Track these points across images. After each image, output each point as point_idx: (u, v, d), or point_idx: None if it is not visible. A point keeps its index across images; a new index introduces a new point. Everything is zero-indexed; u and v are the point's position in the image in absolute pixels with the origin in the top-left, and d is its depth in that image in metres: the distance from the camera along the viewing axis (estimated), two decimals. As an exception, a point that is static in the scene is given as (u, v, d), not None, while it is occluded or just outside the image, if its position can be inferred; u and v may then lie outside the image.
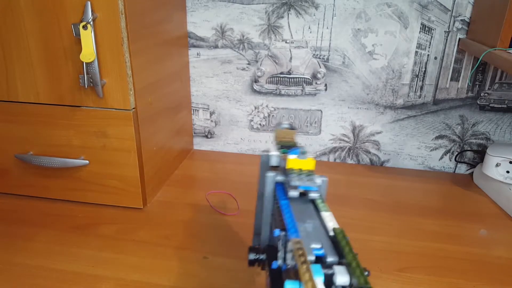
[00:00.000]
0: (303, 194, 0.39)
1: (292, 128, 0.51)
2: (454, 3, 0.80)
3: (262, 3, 0.86)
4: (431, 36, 0.83)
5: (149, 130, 0.73)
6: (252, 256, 0.39)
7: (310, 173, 0.38)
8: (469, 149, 0.92)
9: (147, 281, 0.56)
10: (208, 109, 0.98)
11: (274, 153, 0.47)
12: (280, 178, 0.41)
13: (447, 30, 0.83)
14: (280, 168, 0.44)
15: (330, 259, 0.29)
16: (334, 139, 0.96)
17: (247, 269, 0.59)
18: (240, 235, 0.67)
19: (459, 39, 0.83)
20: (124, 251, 0.62)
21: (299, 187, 0.37)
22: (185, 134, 0.95)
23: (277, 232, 0.34)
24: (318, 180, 0.38)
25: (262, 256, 0.39)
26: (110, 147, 0.69)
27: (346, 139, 0.95)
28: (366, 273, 0.26)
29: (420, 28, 0.83)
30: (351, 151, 0.96)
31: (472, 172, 0.91)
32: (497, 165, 0.79)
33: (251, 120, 0.97)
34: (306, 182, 0.37)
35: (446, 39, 0.83)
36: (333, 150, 0.97)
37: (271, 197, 0.43)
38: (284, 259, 0.32)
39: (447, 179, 0.90)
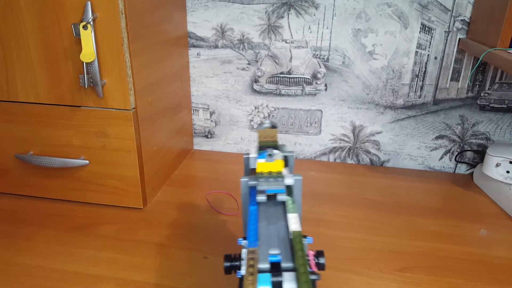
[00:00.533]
0: (275, 197, 0.38)
1: (273, 126, 0.50)
2: (454, 3, 0.80)
3: (262, 3, 0.86)
4: (431, 36, 0.83)
5: (149, 130, 0.73)
6: (226, 264, 0.38)
7: (279, 175, 0.38)
8: (469, 149, 0.92)
9: (147, 281, 0.56)
10: (208, 109, 0.98)
11: (253, 155, 0.46)
12: (252, 182, 0.41)
13: (447, 30, 0.83)
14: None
15: (285, 264, 0.29)
16: (334, 139, 0.96)
17: (247, 269, 0.59)
18: (240, 235, 0.67)
19: (459, 39, 0.83)
20: (124, 251, 0.62)
21: (266, 191, 0.37)
22: (185, 134, 0.95)
23: (239, 241, 0.34)
24: (290, 179, 0.38)
25: (237, 263, 0.38)
26: (110, 147, 0.69)
27: (346, 139, 0.95)
28: (315, 277, 0.27)
29: (420, 28, 0.83)
30: (351, 151, 0.96)
31: (472, 172, 0.91)
32: (497, 165, 0.79)
33: (251, 120, 0.97)
34: (273, 185, 0.37)
35: (446, 39, 0.83)
36: (333, 150, 0.97)
37: (247, 202, 0.42)
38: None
39: (447, 179, 0.90)
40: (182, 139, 0.93)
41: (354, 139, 0.95)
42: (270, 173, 0.38)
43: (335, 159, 0.98)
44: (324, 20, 0.85)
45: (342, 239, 0.67)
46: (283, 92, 0.93)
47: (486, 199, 0.81)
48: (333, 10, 0.84)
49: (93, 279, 0.56)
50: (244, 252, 0.33)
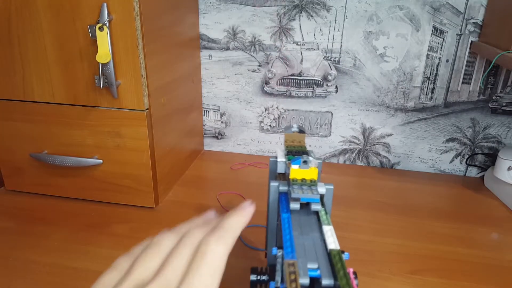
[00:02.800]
0: (307, 205, 0.37)
1: (301, 131, 0.49)
2: (466, 6, 0.80)
3: (274, 6, 0.87)
4: (443, 39, 0.83)
5: (161, 130, 0.74)
6: (253, 277, 0.37)
7: (313, 183, 0.37)
8: (480, 152, 0.91)
9: (160, 280, 0.57)
10: (219, 110, 0.99)
11: (281, 159, 0.45)
12: (283, 188, 0.39)
13: (459, 33, 0.83)
14: (286, 176, 0.43)
15: (325, 282, 0.27)
16: (344, 141, 0.96)
17: (258, 269, 0.59)
18: (250, 235, 0.67)
19: (471, 41, 0.83)
20: (137, 249, 0.63)
21: (301, 199, 0.36)
22: (196, 134, 0.96)
23: (274, 250, 0.32)
24: (322, 189, 0.37)
25: (264, 277, 0.37)
26: (124, 147, 0.70)
27: (356, 141, 0.95)
28: None
29: (432, 30, 0.83)
30: (361, 153, 0.96)
31: (483, 176, 0.91)
32: (509, 168, 0.79)
33: (261, 122, 0.98)
34: (308, 194, 0.35)
35: (458, 42, 0.83)
36: (343, 152, 0.97)
37: (275, 208, 0.41)
38: (282, 280, 0.30)
39: (457, 182, 0.89)
40: (193, 139, 0.94)
41: (364, 141, 0.95)
42: (303, 180, 0.37)
43: (345, 161, 0.98)
44: (335, 22, 0.86)
45: (352, 241, 0.67)
46: (293, 94, 0.93)
47: (497, 202, 0.81)
48: (345, 12, 0.84)
49: (106, 277, 0.57)
50: (279, 263, 0.31)
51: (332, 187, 0.38)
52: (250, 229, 0.69)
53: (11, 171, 0.77)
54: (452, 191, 0.85)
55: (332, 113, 0.94)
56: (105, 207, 0.74)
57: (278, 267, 0.31)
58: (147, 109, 0.67)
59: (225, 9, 0.89)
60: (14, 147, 0.75)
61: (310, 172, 0.37)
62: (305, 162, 0.37)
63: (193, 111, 0.92)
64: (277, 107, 0.96)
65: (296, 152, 0.46)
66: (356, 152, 0.97)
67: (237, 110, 0.98)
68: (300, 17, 0.87)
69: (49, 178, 0.76)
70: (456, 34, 0.83)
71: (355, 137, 0.95)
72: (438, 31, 0.83)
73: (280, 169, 0.45)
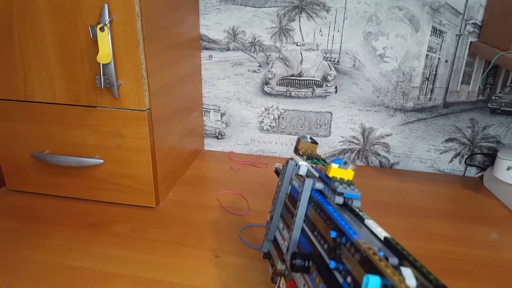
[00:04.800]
0: (341, 204, 0.40)
1: (314, 142, 0.53)
2: (465, 7, 0.81)
3: (274, 6, 0.87)
4: (442, 39, 0.84)
5: (162, 130, 0.74)
6: (299, 263, 0.39)
7: (350, 183, 0.40)
8: (479, 152, 0.92)
9: (160, 279, 0.57)
10: (219, 110, 0.99)
11: (303, 162, 0.48)
12: (319, 185, 0.43)
13: (459, 33, 0.83)
14: (309, 177, 0.46)
15: (392, 260, 0.30)
16: (343, 141, 0.96)
17: (257, 268, 0.59)
18: (251, 234, 0.68)
19: (471, 42, 0.83)
20: (137, 249, 0.63)
21: (345, 194, 0.39)
22: (196, 135, 0.96)
23: (333, 233, 0.35)
24: (357, 191, 0.41)
25: (309, 263, 0.40)
26: (125, 147, 0.70)
27: (355, 141, 0.96)
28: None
29: (431, 31, 0.83)
30: (361, 153, 0.97)
31: (482, 175, 0.91)
32: (508, 168, 0.79)
33: (261, 122, 0.98)
34: (351, 191, 0.39)
35: (457, 42, 0.84)
36: (343, 152, 0.97)
37: (306, 202, 0.44)
38: (340, 260, 0.33)
39: (457, 182, 0.90)
40: (193, 139, 0.94)
41: (364, 141, 0.95)
42: (341, 179, 0.40)
43: (344, 161, 0.98)
44: (335, 23, 0.86)
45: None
46: (293, 94, 0.94)
47: (496, 202, 0.81)
48: (344, 13, 0.85)
49: (107, 276, 0.57)
50: (336, 245, 0.34)
51: (359, 192, 0.42)
52: (250, 229, 0.69)
53: (13, 171, 0.78)
54: (451, 191, 0.86)
55: (331, 113, 0.94)
56: (106, 207, 0.75)
57: (337, 250, 0.34)
58: (148, 109, 0.68)
59: (225, 9, 0.89)
60: (15, 147, 0.75)
61: (347, 173, 0.40)
62: (345, 163, 0.40)
63: (193, 111, 0.92)
64: (277, 107, 0.96)
65: (316, 159, 0.49)
66: (355, 152, 0.97)
67: (237, 110, 0.98)
68: (300, 18, 0.87)
69: (50, 178, 0.76)
70: (456, 34, 0.83)
71: (355, 137, 0.95)
72: (438, 31, 0.83)
73: (302, 171, 0.47)
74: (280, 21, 0.88)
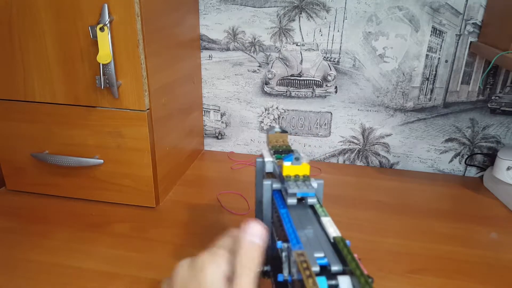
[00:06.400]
0: (301, 200, 0.38)
1: (284, 131, 0.50)
2: (465, 7, 0.81)
3: (274, 6, 0.87)
4: (442, 39, 0.84)
5: (162, 130, 0.74)
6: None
7: (306, 179, 0.38)
8: (479, 152, 0.92)
9: (160, 279, 0.57)
10: (219, 110, 0.99)
11: (269, 158, 0.46)
12: (276, 185, 0.41)
13: (459, 33, 0.83)
14: (275, 174, 0.44)
15: (334, 267, 0.28)
16: (343, 141, 0.96)
17: (258, 269, 0.59)
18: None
19: (471, 42, 0.83)
20: (138, 249, 0.63)
21: (297, 194, 0.37)
22: (196, 135, 0.96)
23: (279, 244, 0.33)
24: (314, 184, 0.38)
25: (267, 268, 0.39)
26: (125, 147, 0.70)
27: (355, 141, 0.96)
28: (370, 280, 0.26)
29: (431, 31, 0.83)
30: (361, 153, 0.97)
31: (482, 175, 0.91)
32: (508, 168, 0.79)
33: (261, 122, 0.98)
34: (304, 188, 0.36)
35: (457, 42, 0.84)
36: (343, 152, 0.97)
37: (270, 205, 0.42)
38: (289, 271, 0.31)
39: (456, 182, 0.90)
40: (193, 139, 0.94)
41: (364, 141, 0.95)
42: (296, 176, 0.38)
43: (344, 161, 0.98)
44: (335, 23, 0.86)
45: (351, 240, 0.67)
46: (293, 94, 0.94)
47: (496, 202, 0.81)
48: (344, 13, 0.85)
49: (107, 276, 0.57)
50: (284, 255, 0.32)
51: (322, 182, 0.39)
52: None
53: (12, 171, 0.78)
54: (451, 191, 0.86)
55: (331, 113, 0.94)
56: (105, 207, 0.75)
57: (285, 259, 0.32)
58: (147, 109, 0.68)
59: (225, 9, 0.89)
60: (15, 147, 0.75)
61: (302, 168, 0.38)
62: (297, 158, 0.38)
63: (193, 111, 0.92)
64: (277, 108, 0.96)
65: (282, 151, 0.46)
66: (355, 152, 0.97)
67: (237, 111, 0.98)
68: (300, 18, 0.87)
69: (50, 178, 0.76)
70: (456, 34, 0.83)
71: (355, 137, 0.95)
72: (437, 31, 0.83)
73: (269, 168, 0.45)
74: (280, 21, 0.88)
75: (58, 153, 0.73)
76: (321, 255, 0.30)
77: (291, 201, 0.37)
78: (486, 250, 0.65)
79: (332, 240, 0.32)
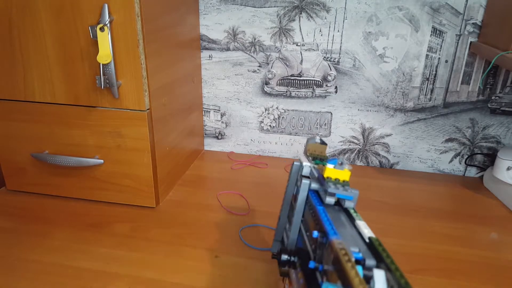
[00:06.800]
0: (335, 204, 0.40)
1: (323, 143, 0.53)
2: (465, 7, 0.81)
3: (274, 6, 0.87)
4: (442, 40, 0.84)
5: (162, 130, 0.74)
6: (284, 257, 0.40)
7: (345, 183, 0.40)
8: (479, 152, 0.92)
9: (160, 279, 0.57)
10: (219, 110, 0.99)
11: (307, 163, 0.48)
12: (314, 185, 0.43)
13: (459, 34, 0.83)
14: (312, 177, 0.46)
15: (369, 262, 0.30)
16: (343, 141, 0.96)
17: (257, 268, 0.59)
18: (251, 234, 0.68)
19: (471, 42, 0.83)
20: (138, 249, 0.63)
21: (337, 195, 0.39)
22: (196, 135, 0.96)
23: (315, 233, 0.35)
24: (354, 190, 0.40)
25: (294, 258, 0.41)
26: (125, 147, 0.70)
27: (355, 141, 0.96)
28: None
29: (431, 31, 0.83)
30: (361, 153, 0.97)
31: (482, 175, 0.91)
32: (508, 168, 0.79)
33: (261, 122, 0.98)
34: (343, 191, 0.39)
35: (457, 43, 0.84)
36: (343, 152, 0.97)
37: (304, 202, 0.44)
38: (321, 260, 0.33)
39: (457, 182, 0.90)
40: (193, 139, 0.94)
41: (364, 141, 0.95)
42: (336, 179, 0.40)
43: (344, 161, 0.98)
44: (335, 23, 0.86)
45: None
46: (293, 94, 0.94)
47: (496, 202, 0.81)
48: (344, 13, 0.85)
49: (107, 276, 0.57)
50: (317, 245, 0.34)
51: (357, 192, 0.41)
52: (250, 229, 0.69)
53: (12, 171, 0.78)
54: (451, 191, 0.86)
55: (331, 113, 0.94)
56: (106, 207, 0.75)
57: (318, 249, 0.34)
58: (147, 109, 0.68)
59: (225, 9, 0.89)
60: (15, 147, 0.75)
61: (343, 174, 0.40)
62: (341, 163, 0.40)
63: (193, 111, 0.92)
64: (277, 108, 0.96)
65: (321, 159, 0.49)
66: (355, 152, 0.97)
67: (237, 111, 0.98)
68: (300, 18, 0.87)
69: (50, 178, 0.76)
70: (456, 34, 0.83)
71: (355, 137, 0.95)
72: (438, 31, 0.83)
73: (305, 172, 0.47)
74: (280, 21, 0.88)
75: (58, 153, 0.73)
76: (356, 250, 0.31)
77: (330, 199, 0.39)
78: (486, 250, 0.65)
79: (367, 240, 0.33)
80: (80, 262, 0.60)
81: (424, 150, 0.94)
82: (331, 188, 0.38)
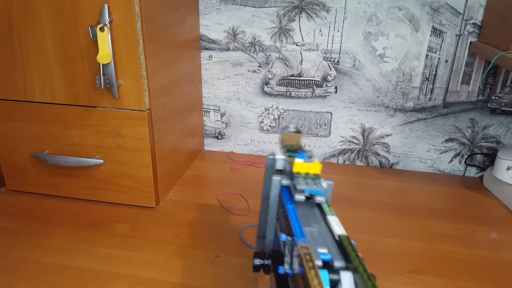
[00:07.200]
0: (309, 198, 0.39)
1: (298, 131, 0.50)
2: (465, 7, 0.81)
3: (274, 6, 0.87)
4: (442, 40, 0.84)
5: (162, 130, 0.74)
6: (257, 262, 0.39)
7: (316, 177, 0.38)
8: (479, 152, 0.92)
9: (160, 279, 0.57)
10: (219, 110, 0.99)
11: (280, 156, 0.46)
12: (286, 182, 0.41)
13: (459, 34, 0.83)
14: (286, 172, 0.44)
15: (337, 264, 0.28)
16: (343, 141, 0.96)
17: (258, 269, 0.59)
18: (250, 234, 0.68)
19: (471, 42, 0.83)
20: (138, 249, 0.63)
21: (306, 191, 0.37)
22: (196, 135, 0.96)
23: (283, 237, 0.34)
24: (324, 184, 0.38)
25: (268, 262, 0.39)
26: (125, 147, 0.70)
27: (355, 141, 0.96)
28: (373, 278, 0.26)
29: (431, 31, 0.83)
30: (361, 153, 0.97)
31: (482, 175, 0.91)
32: (508, 168, 0.79)
33: (261, 122, 0.98)
34: (313, 186, 0.36)
35: (457, 42, 0.84)
36: (343, 152, 0.97)
37: (276, 200, 0.42)
38: (291, 264, 0.31)
39: (456, 182, 0.90)
40: (193, 140, 0.94)
41: (364, 141, 0.95)
42: (307, 174, 0.38)
43: (344, 161, 0.98)
44: (335, 23, 0.86)
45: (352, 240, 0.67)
46: (293, 94, 0.94)
47: (496, 202, 0.81)
48: (344, 13, 0.85)
49: (107, 276, 0.57)
50: (288, 248, 0.32)
51: (332, 183, 0.39)
52: (250, 229, 0.69)
53: (12, 171, 0.78)
54: (451, 191, 0.86)
55: (331, 113, 0.94)
56: (105, 207, 0.75)
57: (287, 253, 0.32)
58: (147, 109, 0.68)
59: (225, 10, 0.89)
60: (15, 147, 0.75)
61: (313, 167, 0.38)
62: (309, 156, 0.38)
63: (193, 111, 0.92)
64: (277, 108, 0.96)
65: (295, 151, 0.47)
66: (355, 152, 0.97)
67: (237, 111, 0.98)
68: (300, 18, 0.87)
69: (50, 178, 0.76)
70: (455, 34, 0.83)
71: (355, 137, 0.95)
72: (437, 31, 0.83)
73: (279, 166, 0.46)
74: (280, 21, 0.88)
75: (58, 153, 0.73)
76: (325, 251, 0.30)
77: (299, 197, 0.37)
78: (486, 250, 0.65)
79: (337, 238, 0.32)
80: (80, 262, 0.60)
81: (424, 150, 0.94)
82: (300, 184, 0.36)
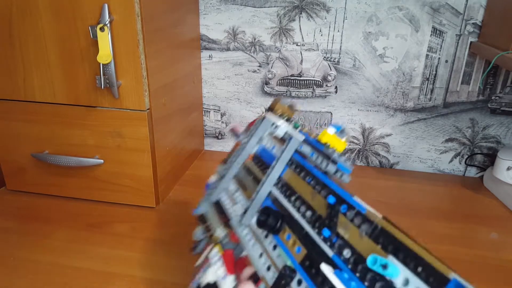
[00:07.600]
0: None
1: (294, 109, 0.47)
2: (466, 7, 0.81)
3: (274, 6, 0.87)
4: (442, 40, 0.84)
5: (162, 130, 0.74)
6: (272, 220, 0.35)
7: (342, 155, 0.35)
8: (479, 152, 0.92)
9: (160, 279, 0.57)
10: (219, 110, 0.99)
11: (283, 122, 0.42)
12: (306, 149, 0.38)
13: (459, 34, 0.83)
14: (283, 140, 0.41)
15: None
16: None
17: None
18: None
19: (471, 42, 0.83)
20: (138, 249, 0.63)
21: (338, 164, 0.33)
22: (196, 135, 0.96)
23: (332, 199, 0.32)
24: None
25: (281, 223, 0.36)
26: (125, 147, 0.70)
27: (355, 141, 0.96)
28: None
29: (431, 31, 0.83)
30: (361, 153, 0.97)
31: (482, 175, 0.91)
32: (508, 168, 0.79)
33: (262, 122, 0.98)
34: (344, 162, 0.33)
35: (458, 43, 0.84)
36: (343, 152, 0.97)
37: (285, 164, 0.39)
38: (335, 231, 0.31)
39: (457, 182, 0.90)
40: (193, 139, 0.94)
41: (364, 141, 0.95)
42: (333, 148, 0.35)
43: (344, 161, 0.98)
44: (335, 23, 0.86)
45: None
46: (293, 94, 0.94)
47: (496, 202, 0.81)
48: (344, 13, 0.85)
49: (107, 276, 0.57)
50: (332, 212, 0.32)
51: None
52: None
53: (13, 171, 0.78)
54: (451, 191, 0.86)
55: (331, 113, 0.94)
56: (106, 207, 0.75)
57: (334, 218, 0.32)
58: (148, 109, 0.68)
59: (225, 9, 0.89)
60: (16, 147, 0.75)
61: (340, 144, 0.35)
62: (343, 131, 0.36)
63: (193, 111, 0.92)
64: (277, 108, 0.96)
65: (297, 123, 0.44)
66: (355, 152, 0.97)
67: (237, 110, 0.98)
68: (300, 18, 0.87)
69: (50, 178, 0.76)
70: (456, 34, 0.83)
71: (355, 137, 0.95)
72: (438, 31, 0.83)
73: (280, 133, 0.42)
74: (280, 21, 0.88)
75: (58, 153, 0.73)
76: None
77: (332, 168, 0.34)
78: (486, 250, 0.65)
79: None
80: (80, 262, 0.60)
81: (424, 150, 0.94)
82: (336, 156, 0.33)
